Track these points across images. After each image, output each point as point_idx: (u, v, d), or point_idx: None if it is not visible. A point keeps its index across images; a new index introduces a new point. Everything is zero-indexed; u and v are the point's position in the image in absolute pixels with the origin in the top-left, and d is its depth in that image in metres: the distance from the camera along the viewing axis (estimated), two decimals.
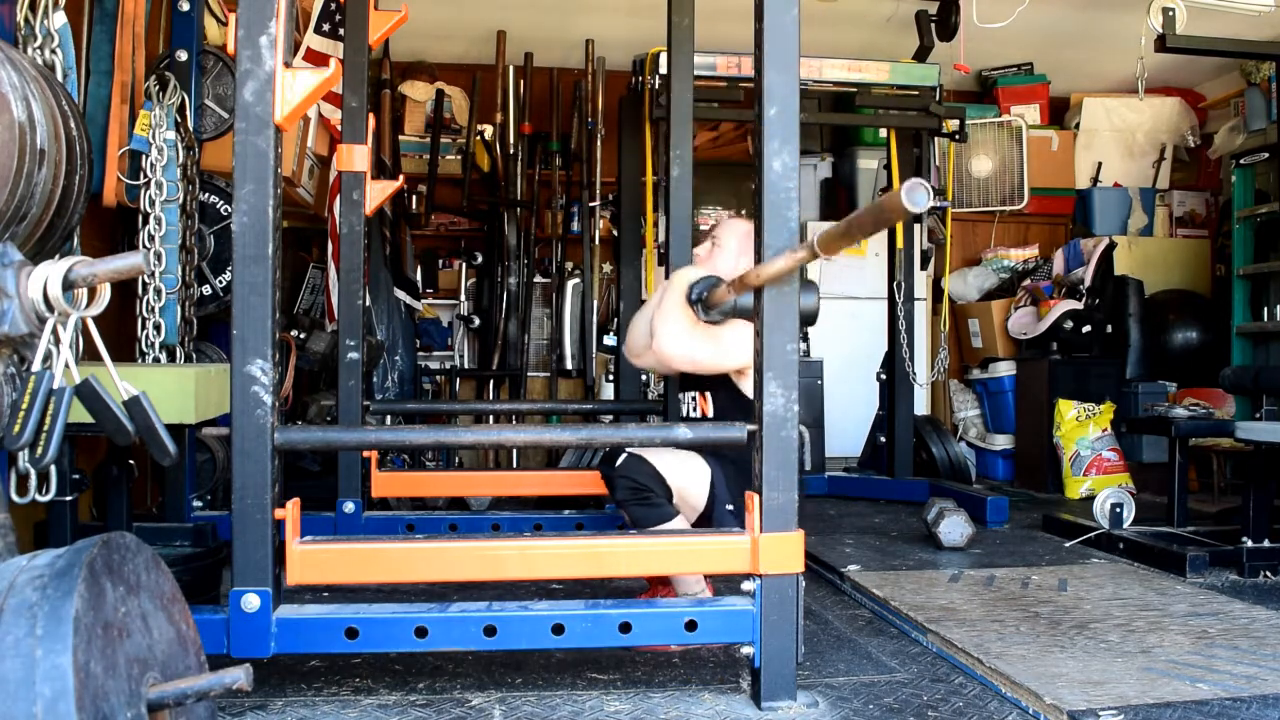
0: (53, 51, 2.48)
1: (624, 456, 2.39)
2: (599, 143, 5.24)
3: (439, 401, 4.96)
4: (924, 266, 5.14)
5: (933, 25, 4.64)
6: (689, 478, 2.41)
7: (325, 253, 4.42)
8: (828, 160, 5.95)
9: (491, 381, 5.27)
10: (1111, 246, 5.37)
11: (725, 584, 2.44)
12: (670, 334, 2.43)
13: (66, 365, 1.53)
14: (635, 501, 2.36)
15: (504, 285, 5.17)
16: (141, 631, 1.30)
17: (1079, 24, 5.12)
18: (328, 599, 2.61)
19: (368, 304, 4.00)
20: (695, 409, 2.62)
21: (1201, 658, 2.26)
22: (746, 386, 2.40)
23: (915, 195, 1.48)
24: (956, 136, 4.65)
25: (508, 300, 5.17)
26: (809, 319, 2.12)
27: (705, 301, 2.43)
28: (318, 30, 4.03)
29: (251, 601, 1.83)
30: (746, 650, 1.95)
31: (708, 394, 2.58)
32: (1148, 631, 2.48)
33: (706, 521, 2.43)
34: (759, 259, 1.93)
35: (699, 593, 2.43)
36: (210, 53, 3.34)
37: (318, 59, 3.99)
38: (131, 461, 2.54)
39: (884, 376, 4.80)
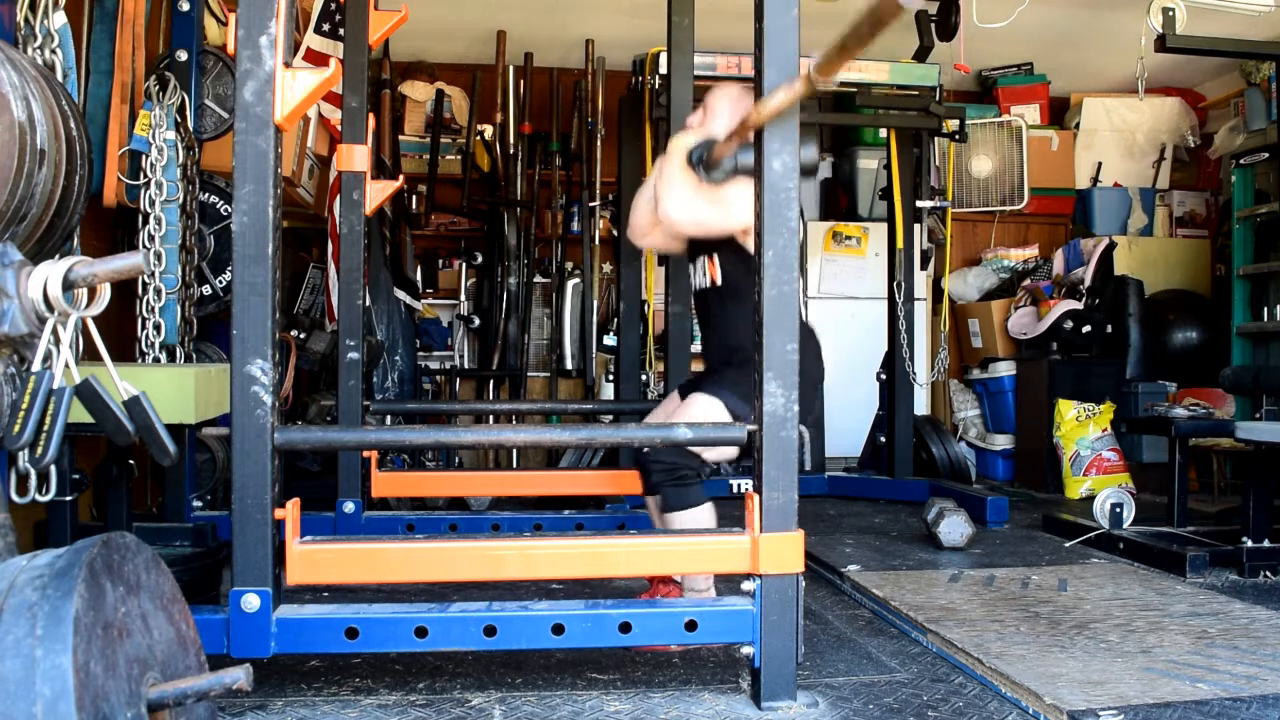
0: (53, 51, 2.48)
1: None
2: (599, 143, 5.24)
3: (439, 401, 4.96)
4: (924, 266, 5.14)
5: (933, 25, 4.63)
6: None
7: (325, 253, 4.42)
8: (828, 160, 5.95)
9: (491, 381, 5.27)
10: (1111, 246, 5.37)
11: (725, 584, 2.44)
12: (676, 199, 2.43)
13: (66, 365, 1.54)
14: (670, 482, 2.36)
15: (504, 285, 5.17)
16: (141, 631, 1.31)
17: (1079, 24, 5.12)
18: (328, 599, 2.61)
19: (368, 304, 4.00)
20: (704, 273, 2.60)
21: (1201, 658, 2.26)
22: (750, 245, 2.34)
23: None
24: (956, 136, 4.65)
25: (508, 300, 5.17)
26: (810, 170, 2.10)
27: (706, 162, 2.41)
28: (318, 30, 4.04)
29: (251, 601, 1.83)
30: (746, 650, 1.95)
31: (714, 256, 2.56)
32: (1148, 631, 2.48)
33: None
34: (758, 99, 1.91)
35: (706, 589, 2.43)
36: (210, 53, 3.34)
37: (318, 59, 3.99)
38: (131, 461, 2.54)
39: (884, 376, 4.80)
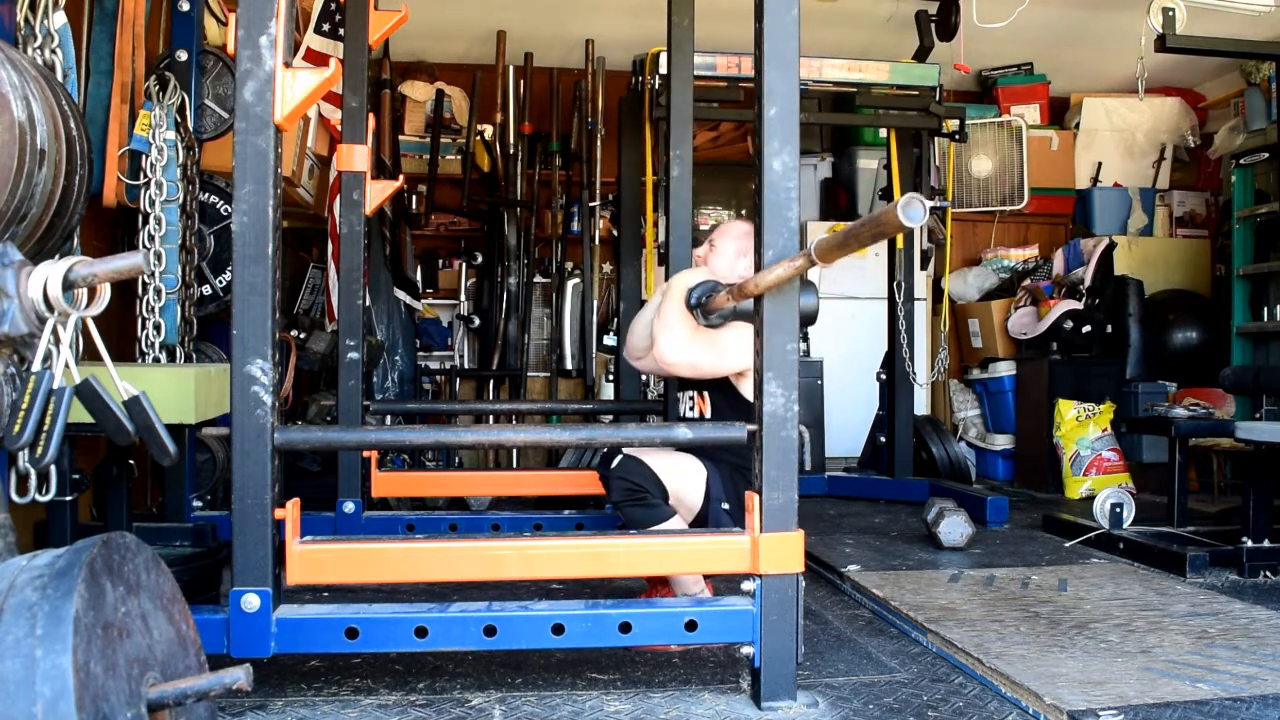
0: (53, 51, 2.48)
1: (620, 457, 2.40)
2: (599, 143, 5.24)
3: (439, 401, 4.96)
4: (924, 266, 5.14)
5: (933, 25, 4.64)
6: (685, 478, 2.41)
7: (325, 253, 4.42)
8: (828, 160, 5.95)
9: (491, 381, 5.27)
10: (1111, 246, 5.37)
11: (725, 584, 2.44)
12: (671, 341, 2.44)
13: (66, 365, 1.53)
14: (631, 503, 2.36)
15: (504, 285, 5.17)
16: (141, 631, 1.30)
17: (1079, 24, 5.12)
18: (328, 599, 2.62)
19: (368, 304, 4.00)
20: (693, 409, 2.63)
21: (1201, 658, 2.26)
22: (745, 388, 2.40)
23: (910, 211, 1.50)
24: (956, 136, 4.65)
25: (508, 300, 5.17)
26: (809, 319, 2.12)
27: (704, 306, 2.44)
28: (318, 30, 4.03)
29: (251, 601, 1.83)
30: (746, 650, 1.95)
31: (705, 394, 2.60)
32: (1148, 631, 2.48)
33: (702, 521, 2.43)
34: (758, 261, 1.94)
35: (698, 593, 2.43)
36: (210, 53, 3.34)
37: (318, 59, 3.99)
38: (131, 461, 2.54)
39: (884, 376, 4.80)
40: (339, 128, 3.47)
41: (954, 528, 3.49)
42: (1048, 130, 5.84)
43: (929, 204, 4.61)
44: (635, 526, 2.37)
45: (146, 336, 3.09)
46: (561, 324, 5.31)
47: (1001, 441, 5.47)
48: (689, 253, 3.28)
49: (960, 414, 5.71)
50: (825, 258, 1.75)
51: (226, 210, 3.38)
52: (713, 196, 5.96)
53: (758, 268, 1.95)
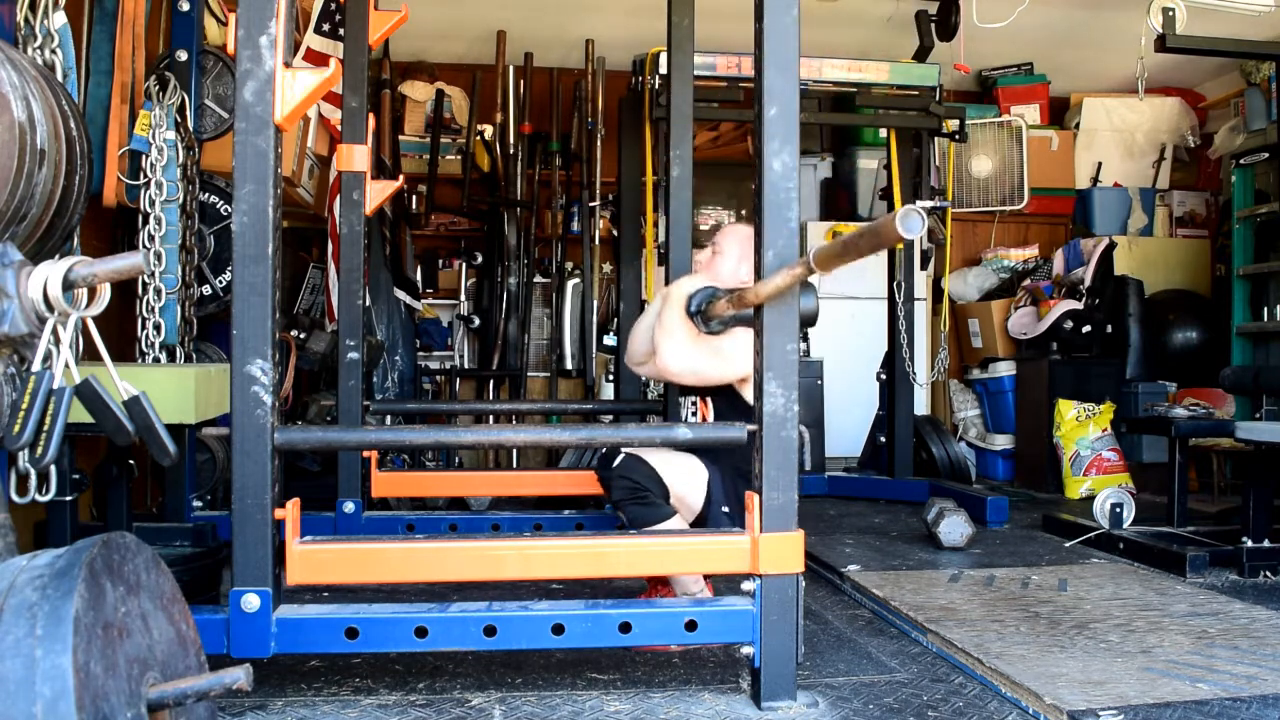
0: (53, 51, 2.48)
1: (622, 456, 2.40)
2: (599, 143, 5.24)
3: (439, 401, 4.96)
4: (924, 266, 5.14)
5: (933, 25, 4.64)
6: (687, 479, 2.41)
7: (325, 253, 4.42)
8: (828, 160, 5.95)
9: (491, 381, 5.27)
10: (1111, 246, 5.37)
11: (725, 584, 2.44)
12: (673, 349, 2.43)
13: (66, 365, 1.54)
14: (632, 501, 2.36)
15: (504, 285, 5.17)
16: (141, 631, 1.30)
17: (1079, 24, 5.13)
18: (328, 599, 2.61)
19: (368, 304, 4.00)
20: (695, 414, 2.63)
21: (1201, 658, 2.26)
22: (748, 393, 2.40)
23: (909, 223, 1.50)
24: (956, 136, 4.65)
25: (508, 300, 5.17)
26: (809, 321, 2.11)
27: (705, 313, 2.43)
28: (318, 30, 4.04)
29: (251, 601, 1.83)
30: (746, 650, 1.95)
31: (708, 400, 2.59)
32: (1148, 631, 2.48)
33: (701, 523, 2.43)
34: (758, 262, 1.94)
35: (698, 593, 2.43)
36: (210, 53, 3.34)
37: (318, 59, 4.00)
38: (131, 461, 2.54)
39: (884, 376, 4.81)
40: (339, 128, 3.47)
41: (954, 528, 3.49)
42: (1048, 130, 5.84)
43: (929, 204, 4.68)
44: (636, 526, 2.36)
45: (146, 336, 3.09)
46: (561, 324, 5.31)
47: (1001, 441, 5.47)
48: (689, 253, 3.28)
49: (960, 414, 5.71)
50: (824, 267, 1.75)
51: (226, 210, 3.38)
52: (713, 196, 5.97)
53: (758, 268, 1.95)
